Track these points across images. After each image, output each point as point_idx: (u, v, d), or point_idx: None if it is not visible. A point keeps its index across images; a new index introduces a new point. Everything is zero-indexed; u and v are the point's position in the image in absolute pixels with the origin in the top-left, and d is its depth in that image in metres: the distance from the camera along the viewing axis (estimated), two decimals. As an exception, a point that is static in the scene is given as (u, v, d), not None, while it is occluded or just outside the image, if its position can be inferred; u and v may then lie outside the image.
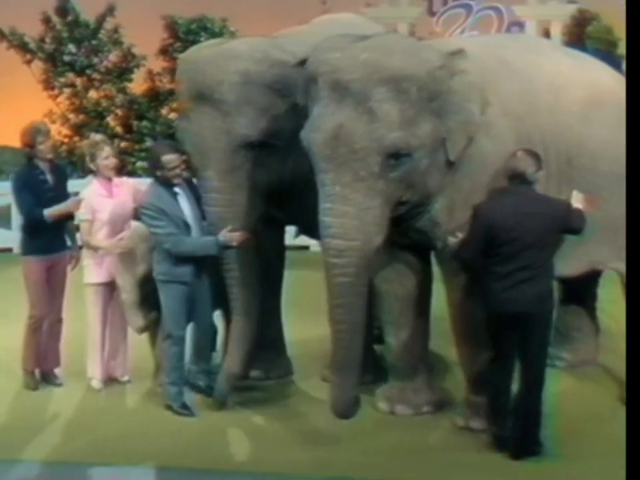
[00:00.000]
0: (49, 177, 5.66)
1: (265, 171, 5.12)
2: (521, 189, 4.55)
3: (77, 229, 5.75)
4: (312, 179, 5.29)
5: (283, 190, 5.26)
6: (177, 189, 5.24)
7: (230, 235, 5.03)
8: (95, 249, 5.58)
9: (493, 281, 4.48)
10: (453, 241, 4.64)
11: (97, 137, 6.42)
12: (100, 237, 5.58)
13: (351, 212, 4.38)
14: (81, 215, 5.60)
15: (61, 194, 5.72)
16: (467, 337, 4.93)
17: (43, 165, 5.64)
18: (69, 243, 5.84)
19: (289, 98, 5.04)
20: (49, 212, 5.50)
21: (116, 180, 5.72)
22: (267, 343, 5.84)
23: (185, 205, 5.23)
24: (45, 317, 5.69)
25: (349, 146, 4.33)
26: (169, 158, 5.13)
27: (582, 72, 5.38)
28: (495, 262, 4.47)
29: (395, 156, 4.37)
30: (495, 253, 4.45)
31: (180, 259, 5.13)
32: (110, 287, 5.63)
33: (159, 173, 5.20)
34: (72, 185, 6.41)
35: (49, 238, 5.63)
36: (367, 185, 4.37)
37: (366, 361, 5.59)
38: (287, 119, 5.05)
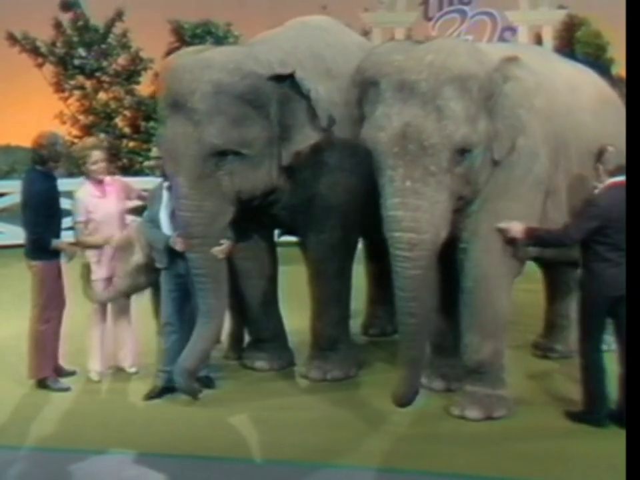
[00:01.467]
0: (55, 183, 5.70)
1: (236, 179, 5.17)
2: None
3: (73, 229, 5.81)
4: (294, 185, 5.55)
5: (259, 196, 5.38)
6: (165, 184, 5.41)
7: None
8: (91, 247, 5.70)
9: (607, 267, 4.71)
10: (504, 228, 4.85)
11: (88, 141, 6.55)
12: (95, 235, 5.70)
13: (422, 206, 4.47)
14: (76, 216, 5.72)
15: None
16: (478, 327, 4.96)
17: (49, 171, 5.64)
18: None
19: (262, 109, 5.16)
20: (56, 243, 5.56)
21: (108, 179, 5.83)
22: (268, 336, 6.05)
23: (166, 201, 5.40)
24: (58, 317, 5.75)
25: (418, 143, 4.43)
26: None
27: (583, 74, 5.80)
28: (607, 249, 4.70)
29: (461, 152, 4.53)
30: (607, 241, 4.70)
31: (176, 253, 5.29)
32: (109, 283, 5.74)
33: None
34: (66, 183, 6.44)
35: (57, 233, 5.66)
36: (436, 179, 4.48)
37: (351, 355, 5.97)
38: (260, 129, 5.17)
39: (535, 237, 4.91)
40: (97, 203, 5.72)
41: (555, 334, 6.26)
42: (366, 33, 14.15)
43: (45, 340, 5.68)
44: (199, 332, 5.29)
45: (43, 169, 5.65)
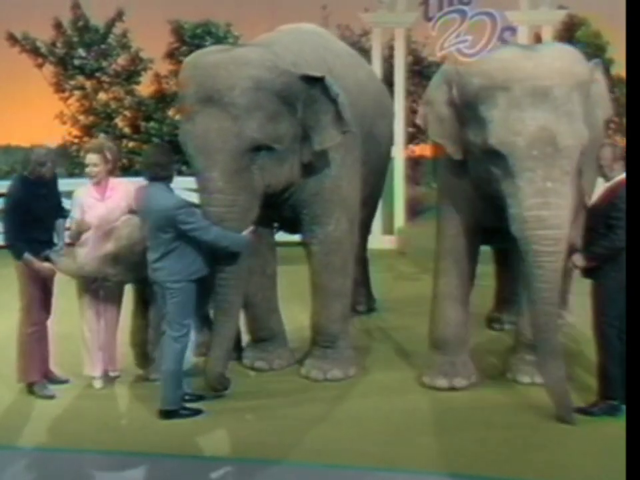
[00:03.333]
0: (45, 190, 5.52)
1: (266, 174, 5.27)
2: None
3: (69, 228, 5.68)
4: (302, 180, 5.62)
5: (279, 191, 5.51)
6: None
7: (249, 236, 5.23)
8: (76, 238, 5.55)
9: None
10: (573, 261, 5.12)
11: (89, 143, 6.49)
12: (86, 237, 5.55)
13: (563, 204, 4.84)
14: (72, 214, 5.61)
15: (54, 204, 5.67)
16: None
17: (36, 178, 5.49)
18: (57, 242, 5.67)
19: (291, 105, 5.29)
20: (27, 257, 5.39)
21: (112, 182, 5.70)
22: (268, 335, 6.15)
23: None
24: (45, 321, 5.62)
25: (555, 145, 4.79)
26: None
27: None
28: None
29: (583, 152, 4.93)
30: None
31: (194, 259, 5.06)
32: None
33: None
34: (66, 183, 6.37)
35: (44, 241, 5.52)
36: (570, 178, 4.87)
37: (351, 354, 6.00)
38: (289, 125, 5.31)
39: (593, 260, 5.03)
40: (93, 205, 5.59)
41: (511, 309, 6.42)
42: (366, 33, 14.20)
43: (31, 344, 5.57)
44: (220, 332, 5.30)
45: (28, 175, 5.50)
